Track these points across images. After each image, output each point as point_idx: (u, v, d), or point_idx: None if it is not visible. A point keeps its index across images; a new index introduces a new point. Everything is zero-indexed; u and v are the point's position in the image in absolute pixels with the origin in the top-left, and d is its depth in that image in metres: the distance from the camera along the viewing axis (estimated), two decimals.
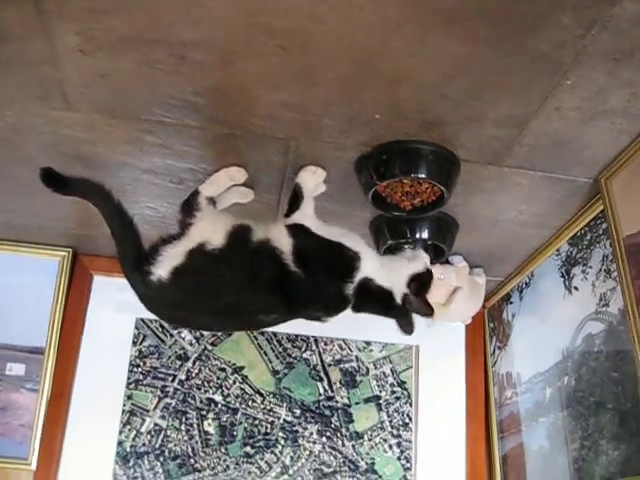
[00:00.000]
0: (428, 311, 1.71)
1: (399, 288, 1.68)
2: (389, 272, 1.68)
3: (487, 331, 2.54)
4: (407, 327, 1.76)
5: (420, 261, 1.73)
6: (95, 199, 1.67)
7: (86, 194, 1.69)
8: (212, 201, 1.69)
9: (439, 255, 2.02)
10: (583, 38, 1.30)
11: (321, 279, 1.62)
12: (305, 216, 1.67)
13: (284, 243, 1.62)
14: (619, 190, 1.70)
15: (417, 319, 2.26)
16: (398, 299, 1.68)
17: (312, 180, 1.71)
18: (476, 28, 1.29)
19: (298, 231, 1.64)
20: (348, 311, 1.67)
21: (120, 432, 2.25)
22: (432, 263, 2.03)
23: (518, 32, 1.30)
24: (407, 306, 1.68)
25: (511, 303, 2.37)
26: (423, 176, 1.65)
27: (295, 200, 1.68)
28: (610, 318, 1.78)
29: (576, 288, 1.96)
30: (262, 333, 2.40)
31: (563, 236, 2.02)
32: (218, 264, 1.61)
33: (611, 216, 1.72)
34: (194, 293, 1.63)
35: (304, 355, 2.41)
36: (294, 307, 1.66)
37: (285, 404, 2.35)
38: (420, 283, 1.70)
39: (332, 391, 2.39)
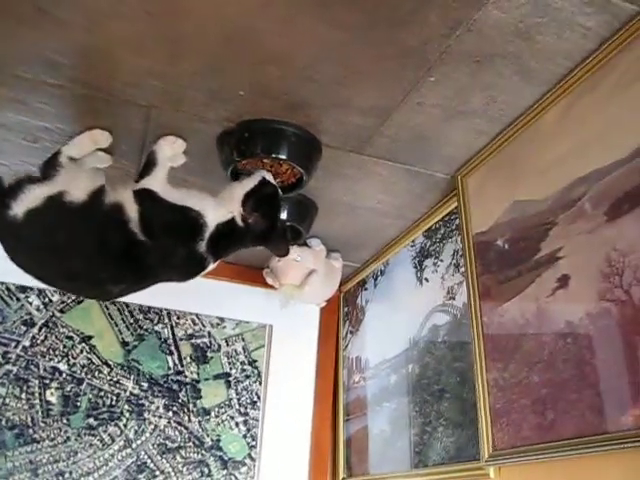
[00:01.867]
0: (265, 224, 1.66)
1: (237, 211, 1.63)
2: (227, 203, 1.63)
3: (341, 315, 2.58)
4: (277, 250, 1.79)
5: (254, 178, 1.66)
6: None
7: None
8: (74, 160, 1.64)
9: (297, 237, 2.03)
10: (448, 37, 1.33)
11: (169, 245, 1.58)
12: (154, 181, 1.61)
13: (131, 210, 1.57)
14: (473, 189, 1.76)
15: (274, 299, 2.32)
16: (239, 222, 1.63)
17: (170, 150, 1.67)
18: (346, 14, 1.29)
19: (145, 197, 1.59)
20: (210, 266, 1.65)
21: None
22: (290, 244, 2.05)
23: (388, 23, 1.31)
24: (248, 226, 1.63)
25: (366, 289, 2.42)
26: (284, 157, 1.65)
27: (147, 166, 1.64)
28: (455, 311, 1.84)
29: (427, 279, 2.02)
30: (113, 303, 2.34)
31: (419, 228, 2.08)
32: (70, 221, 1.57)
33: (464, 213, 1.78)
34: (43, 244, 1.57)
35: (156, 328, 2.37)
36: (144, 277, 1.63)
37: (133, 376, 2.30)
38: (256, 198, 1.63)
39: (182, 366, 2.36)
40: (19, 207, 1.53)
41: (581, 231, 1.37)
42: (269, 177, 1.67)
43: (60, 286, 1.68)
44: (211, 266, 1.65)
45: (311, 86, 1.50)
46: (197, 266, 1.63)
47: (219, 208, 1.62)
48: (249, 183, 1.65)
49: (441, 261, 1.95)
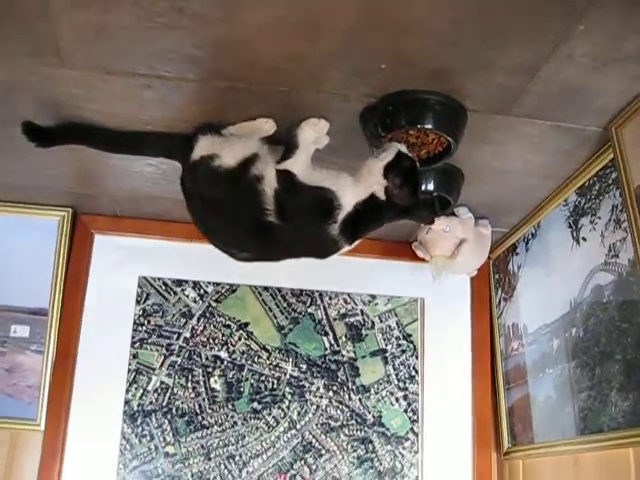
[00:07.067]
0: (408, 195, 1.64)
1: (379, 185, 1.63)
2: (366, 179, 1.63)
3: (492, 282, 2.52)
4: (422, 219, 1.83)
5: (390, 151, 1.64)
6: (84, 139, 1.76)
7: (72, 137, 1.75)
8: None
9: (445, 207, 1.99)
10: None
11: (298, 228, 1.62)
12: (295, 163, 1.63)
13: (270, 187, 1.62)
14: (630, 139, 1.66)
15: (424, 271, 2.30)
16: (382, 195, 1.63)
17: (312, 131, 1.67)
18: None
19: (284, 178, 1.63)
20: (345, 247, 1.67)
21: (127, 391, 2.25)
22: (438, 215, 2.02)
23: None
24: (393, 198, 1.62)
25: (517, 254, 2.35)
26: (430, 127, 1.61)
27: (289, 148, 1.65)
28: (620, 269, 1.75)
29: (584, 239, 1.93)
30: (266, 289, 2.39)
31: (571, 186, 1.98)
32: (214, 182, 1.66)
33: (621, 165, 1.68)
34: (192, 191, 1.72)
35: (309, 310, 2.40)
36: (269, 252, 1.70)
37: (291, 359, 2.35)
38: (397, 169, 1.62)
39: (338, 345, 2.39)
40: (195, 154, 1.68)
41: None
42: (404, 149, 1.65)
43: (200, 228, 1.75)
44: (346, 247, 1.66)
45: (452, 51, 1.45)
46: (328, 248, 1.66)
47: (358, 186, 1.63)
48: (386, 156, 1.63)
49: (599, 218, 1.86)
